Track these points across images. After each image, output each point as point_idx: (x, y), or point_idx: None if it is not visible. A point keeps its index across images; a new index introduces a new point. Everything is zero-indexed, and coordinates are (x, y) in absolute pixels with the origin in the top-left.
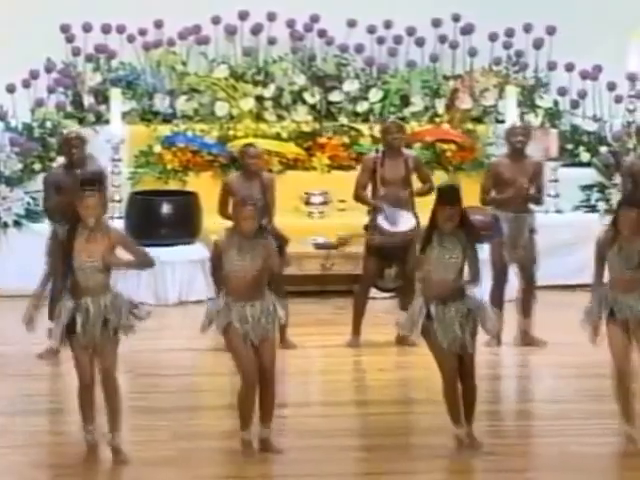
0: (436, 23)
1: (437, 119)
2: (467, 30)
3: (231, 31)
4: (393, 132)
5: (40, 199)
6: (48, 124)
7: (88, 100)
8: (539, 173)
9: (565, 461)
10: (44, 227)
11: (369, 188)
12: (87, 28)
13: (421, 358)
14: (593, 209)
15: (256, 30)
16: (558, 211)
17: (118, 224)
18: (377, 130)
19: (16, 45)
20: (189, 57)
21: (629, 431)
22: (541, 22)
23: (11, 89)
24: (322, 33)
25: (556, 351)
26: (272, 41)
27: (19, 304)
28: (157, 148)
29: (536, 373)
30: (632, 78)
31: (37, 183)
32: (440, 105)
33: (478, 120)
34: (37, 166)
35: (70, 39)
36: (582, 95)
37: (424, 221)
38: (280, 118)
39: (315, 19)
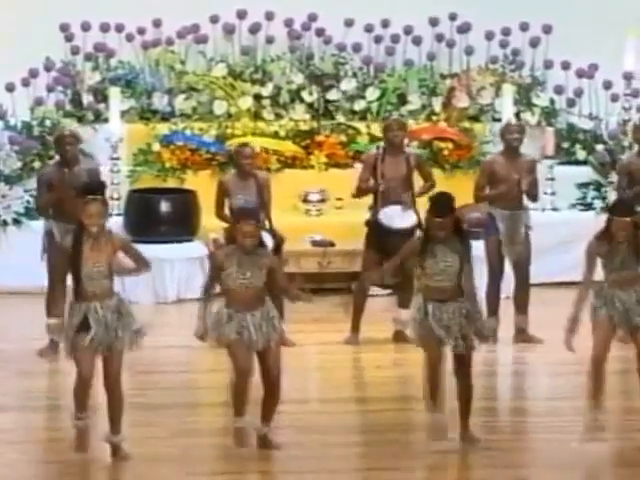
0: (433, 22)
1: (434, 117)
2: (464, 29)
3: (229, 30)
4: (394, 129)
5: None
6: (47, 123)
7: (87, 99)
8: (533, 170)
9: (561, 457)
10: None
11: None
12: (86, 27)
13: (419, 355)
14: (589, 207)
15: (254, 29)
16: (554, 209)
17: (117, 222)
18: (375, 128)
19: (16, 44)
20: (187, 56)
21: (594, 418)
22: (537, 21)
23: (10, 88)
24: (320, 32)
25: (552, 348)
26: (270, 40)
27: (19, 301)
28: (156, 146)
29: (532, 370)
30: (628, 77)
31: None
32: (437, 103)
33: (475, 118)
34: (36, 164)
35: (69, 38)
36: (578, 93)
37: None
38: (278, 116)
39: (313, 18)
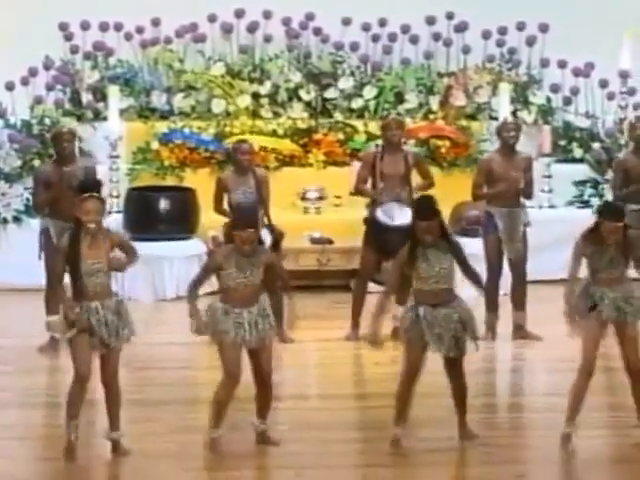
0: (430, 21)
1: (431, 116)
2: (461, 28)
3: (227, 29)
4: (392, 128)
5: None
6: (47, 121)
7: (86, 97)
8: (529, 168)
9: (559, 453)
10: None
11: (369, 183)
12: (85, 26)
13: None
14: (586, 204)
15: (252, 28)
16: (551, 206)
17: (117, 219)
18: (373, 126)
19: (15, 43)
20: (186, 55)
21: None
22: (534, 20)
23: (10, 86)
24: (317, 31)
25: (550, 345)
26: (268, 39)
27: (19, 298)
28: (154, 145)
29: (530, 367)
30: (624, 75)
31: None
32: (434, 102)
33: (472, 117)
34: (36, 162)
35: (68, 37)
36: (575, 92)
37: None
38: (276, 115)
39: (310, 17)
